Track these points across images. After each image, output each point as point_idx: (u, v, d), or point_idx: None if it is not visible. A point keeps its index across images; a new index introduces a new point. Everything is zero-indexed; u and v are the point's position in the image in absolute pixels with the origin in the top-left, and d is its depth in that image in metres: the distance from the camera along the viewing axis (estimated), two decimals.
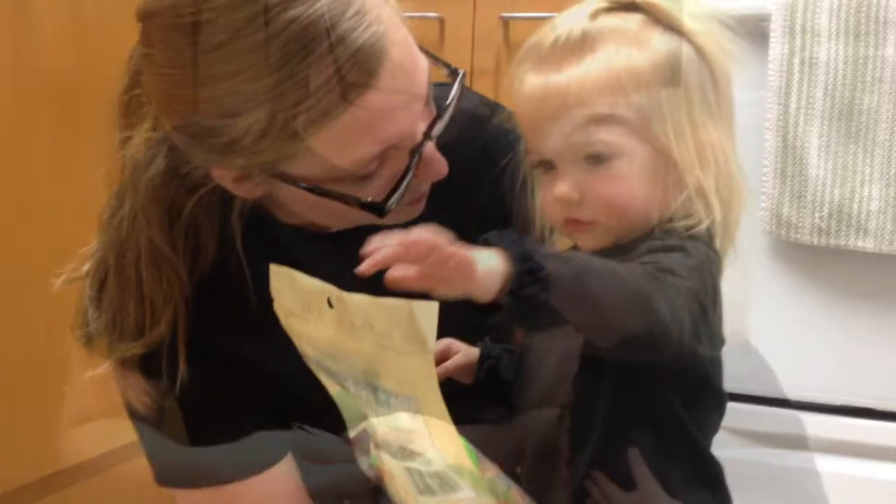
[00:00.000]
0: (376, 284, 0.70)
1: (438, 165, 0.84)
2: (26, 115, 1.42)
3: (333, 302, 0.74)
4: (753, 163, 1.58)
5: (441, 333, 0.72)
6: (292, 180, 0.79)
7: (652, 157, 0.77)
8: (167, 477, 0.94)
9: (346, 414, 0.83)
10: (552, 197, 0.81)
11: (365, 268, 0.67)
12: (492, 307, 0.71)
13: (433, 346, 0.69)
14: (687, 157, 0.77)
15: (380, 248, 0.67)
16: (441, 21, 1.74)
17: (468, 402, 0.83)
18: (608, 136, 0.77)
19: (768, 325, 1.63)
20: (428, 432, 0.75)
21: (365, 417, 0.80)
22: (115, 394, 0.93)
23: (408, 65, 0.78)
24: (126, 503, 1.40)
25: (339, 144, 0.75)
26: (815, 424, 1.61)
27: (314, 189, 0.79)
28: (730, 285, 0.78)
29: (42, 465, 1.48)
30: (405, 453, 0.78)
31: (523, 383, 0.89)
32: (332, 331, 0.75)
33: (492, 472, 0.81)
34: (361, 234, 0.72)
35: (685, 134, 0.77)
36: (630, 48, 0.78)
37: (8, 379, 1.45)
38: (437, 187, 0.90)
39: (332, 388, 0.82)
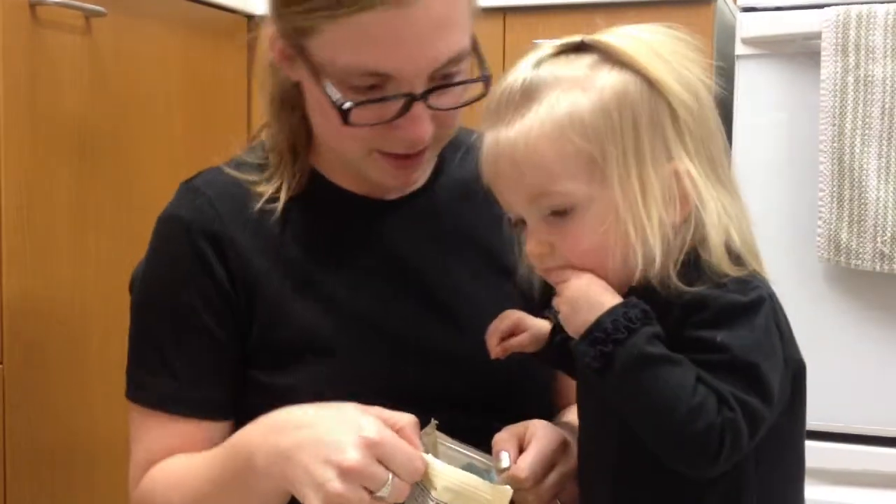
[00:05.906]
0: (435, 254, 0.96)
1: (420, 126, 0.87)
2: (46, 160, 1.40)
3: None
4: (809, 188, 1.54)
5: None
6: (307, 58, 0.87)
7: (612, 199, 0.75)
8: (136, 395, 0.99)
9: None
10: (528, 251, 0.81)
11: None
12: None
13: None
14: (630, 195, 0.75)
15: None
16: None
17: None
18: (562, 188, 0.76)
19: (829, 357, 1.57)
20: None
21: None
22: None
23: (429, 22, 0.84)
24: None
25: (342, 42, 0.84)
26: (885, 459, 1.54)
27: (314, 70, 0.86)
28: None
29: None
30: None
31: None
32: None
33: None
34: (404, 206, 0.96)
35: (630, 173, 0.75)
36: (572, 92, 0.75)
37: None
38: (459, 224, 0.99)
39: None
